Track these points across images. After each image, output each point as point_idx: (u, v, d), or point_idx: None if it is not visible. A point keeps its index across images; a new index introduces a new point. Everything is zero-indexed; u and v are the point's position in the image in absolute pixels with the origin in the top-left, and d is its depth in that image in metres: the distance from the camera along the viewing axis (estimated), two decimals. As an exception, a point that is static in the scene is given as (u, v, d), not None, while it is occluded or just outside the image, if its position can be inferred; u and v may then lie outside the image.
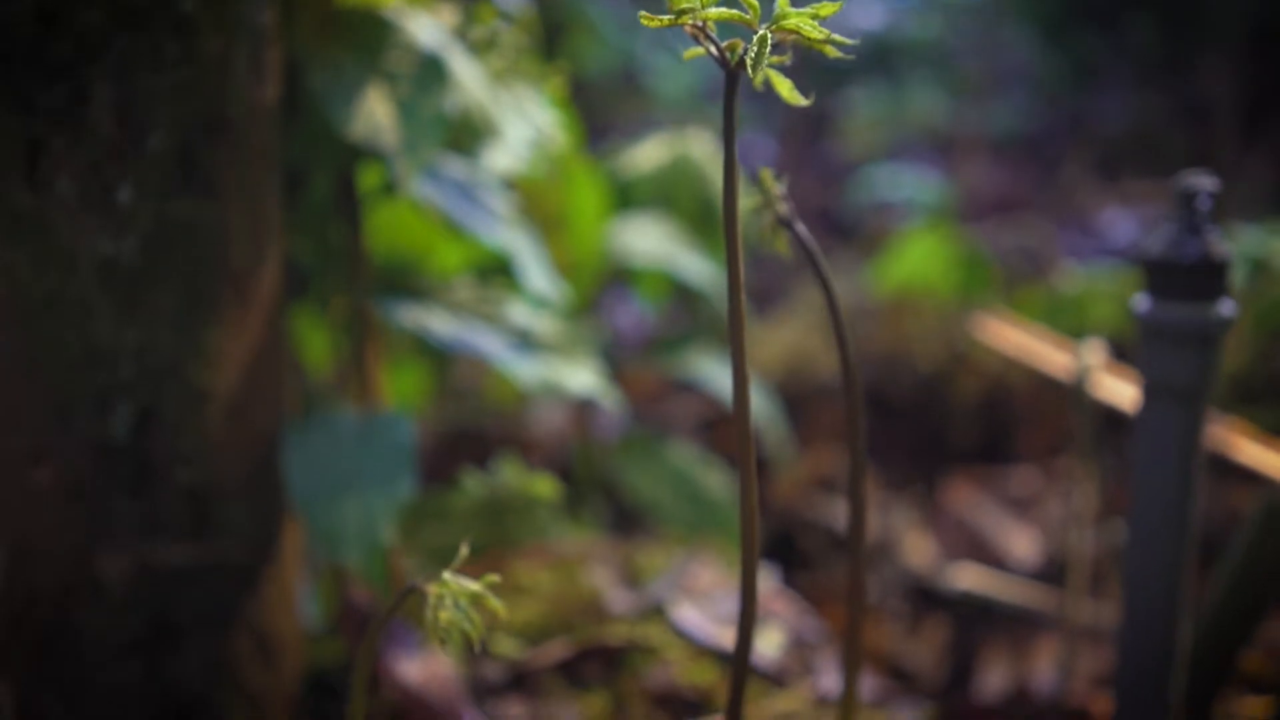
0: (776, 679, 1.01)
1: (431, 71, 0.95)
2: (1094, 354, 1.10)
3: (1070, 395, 1.12)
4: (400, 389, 1.31)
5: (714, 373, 1.41)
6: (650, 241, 1.39)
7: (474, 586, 0.60)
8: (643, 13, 0.54)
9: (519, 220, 1.07)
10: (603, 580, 1.13)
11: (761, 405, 1.45)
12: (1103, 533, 1.42)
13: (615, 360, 1.45)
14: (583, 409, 1.49)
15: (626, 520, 1.51)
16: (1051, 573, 1.47)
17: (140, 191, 0.85)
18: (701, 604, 1.09)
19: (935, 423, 1.82)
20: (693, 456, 1.37)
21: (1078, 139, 3.42)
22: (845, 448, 1.75)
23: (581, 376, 1.06)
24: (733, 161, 0.60)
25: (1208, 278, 0.81)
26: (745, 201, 0.66)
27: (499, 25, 1.03)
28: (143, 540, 0.90)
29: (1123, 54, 3.69)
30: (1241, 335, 1.60)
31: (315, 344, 1.20)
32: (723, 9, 0.55)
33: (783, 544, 1.55)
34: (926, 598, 1.46)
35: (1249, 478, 1.39)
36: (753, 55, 0.53)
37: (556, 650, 1.02)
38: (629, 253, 1.38)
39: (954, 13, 4.11)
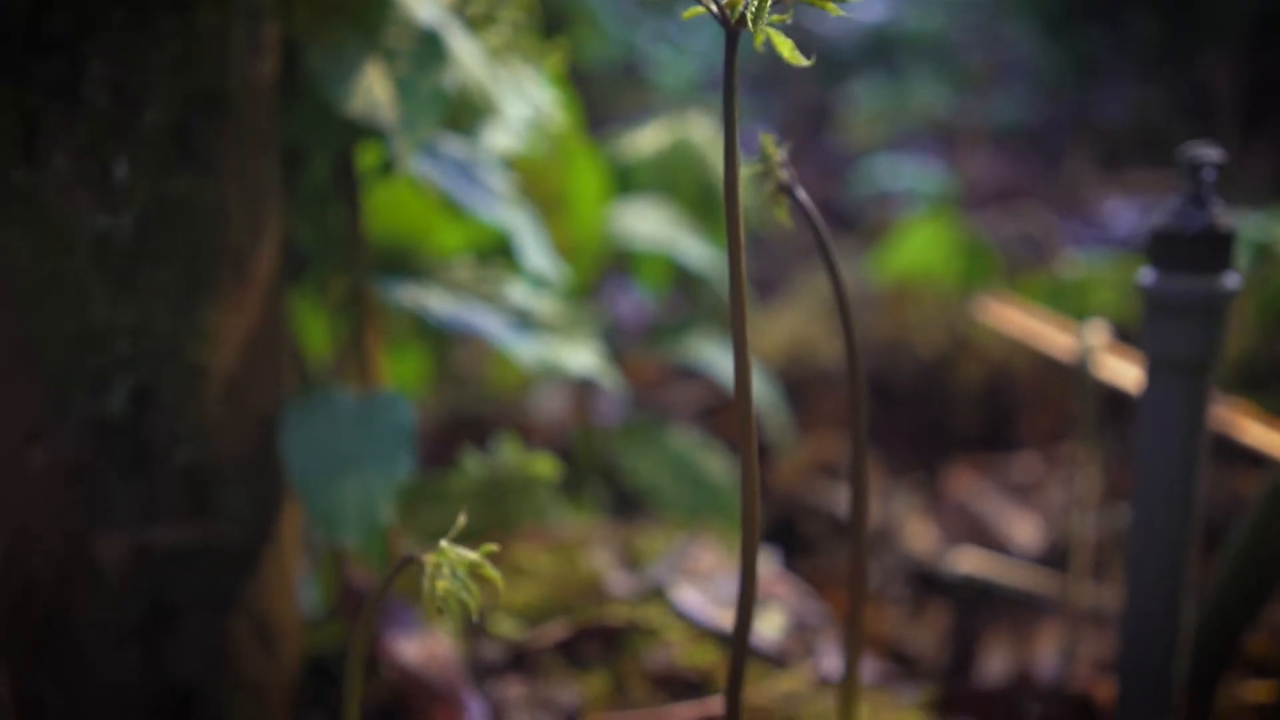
0: (777, 660, 1.01)
1: (430, 48, 0.94)
2: (1097, 334, 1.09)
3: (1073, 376, 1.11)
4: (400, 374, 1.31)
5: (715, 357, 1.41)
6: (650, 225, 1.39)
7: (472, 556, 0.59)
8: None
9: (518, 199, 1.06)
10: (602, 563, 1.12)
11: (763, 391, 1.45)
12: (1105, 517, 1.41)
13: (616, 347, 1.44)
14: (583, 395, 1.49)
15: (626, 505, 1.50)
16: (1054, 559, 1.47)
17: (137, 168, 0.85)
18: (702, 586, 1.08)
19: (937, 409, 1.82)
20: (693, 441, 1.36)
21: (1079, 132, 3.42)
22: (846, 433, 1.75)
23: (581, 357, 1.06)
24: (733, 125, 0.59)
25: (1212, 249, 0.80)
26: (746, 169, 0.66)
27: (497, 1, 1.02)
28: (140, 523, 0.89)
29: (1124, 49, 3.69)
30: (1245, 320, 1.59)
31: (315, 330, 1.20)
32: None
33: (784, 529, 1.54)
34: (928, 583, 1.46)
35: (1253, 461, 1.38)
36: (753, 10, 0.52)
37: (556, 631, 1.02)
38: (629, 236, 1.37)
39: (955, 6, 4.10)
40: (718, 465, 1.35)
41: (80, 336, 0.86)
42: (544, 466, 1.12)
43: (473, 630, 1.03)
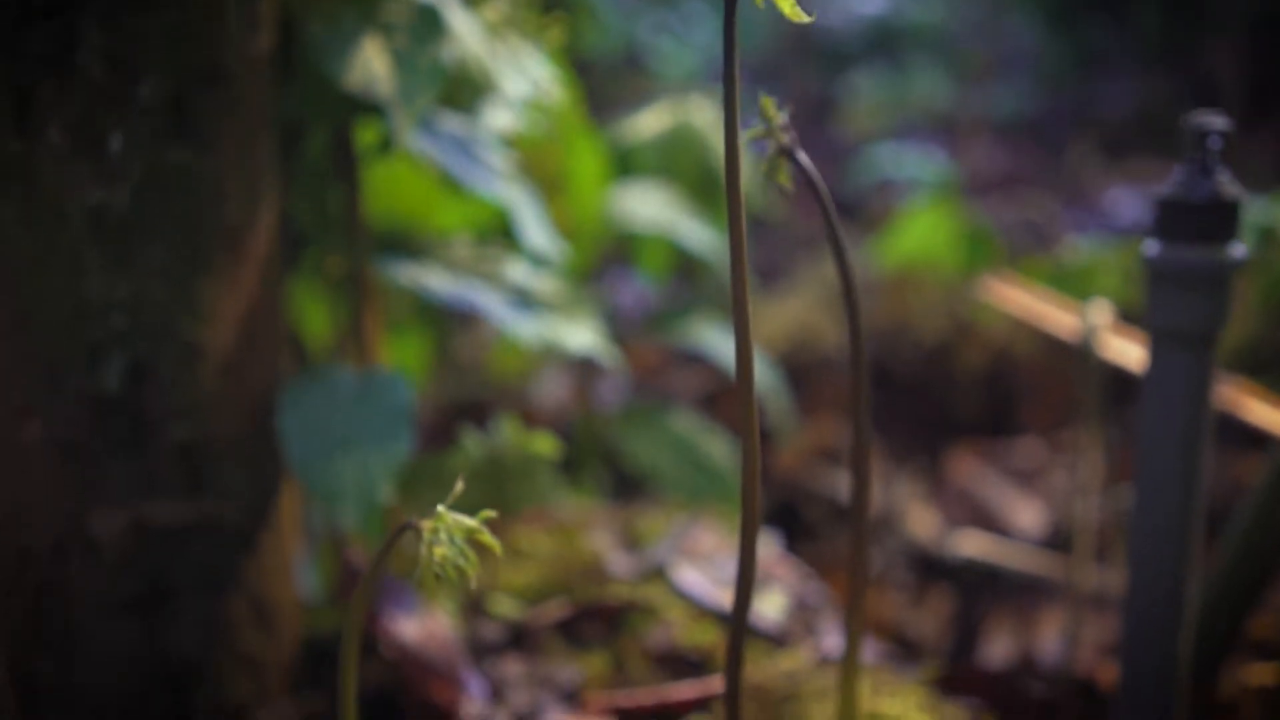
0: (778, 640, 1.00)
1: (428, 22, 0.93)
2: (1100, 314, 1.09)
3: (1076, 357, 1.10)
4: (400, 361, 1.30)
5: (716, 342, 1.40)
6: (651, 208, 1.38)
7: (470, 522, 0.59)
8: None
9: (518, 177, 1.06)
10: (603, 544, 1.11)
11: (764, 376, 1.44)
12: (1108, 500, 1.41)
13: (617, 334, 1.43)
14: (584, 380, 1.48)
15: (627, 490, 1.50)
16: (1056, 544, 1.46)
17: (132, 140, 0.84)
18: (703, 567, 1.07)
19: (939, 396, 1.81)
20: (694, 424, 1.36)
21: (1082, 121, 3.41)
22: (847, 420, 1.74)
23: (581, 335, 1.05)
24: (734, 91, 0.58)
25: (1219, 218, 0.79)
26: (747, 133, 0.65)
27: (496, -25, 1.01)
28: (136, 499, 0.88)
29: (1126, 40, 3.68)
30: (1248, 305, 1.58)
31: (314, 316, 1.19)
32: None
33: (785, 514, 1.54)
34: (930, 569, 1.45)
35: (1255, 444, 1.38)
36: (752, -36, 0.52)
37: (556, 610, 1.01)
38: (630, 218, 1.37)
39: (956, -2, 4.10)
40: (719, 448, 1.34)
41: (75, 311, 0.85)
42: (544, 444, 1.11)
43: (472, 610, 1.02)
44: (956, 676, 0.93)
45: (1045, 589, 1.37)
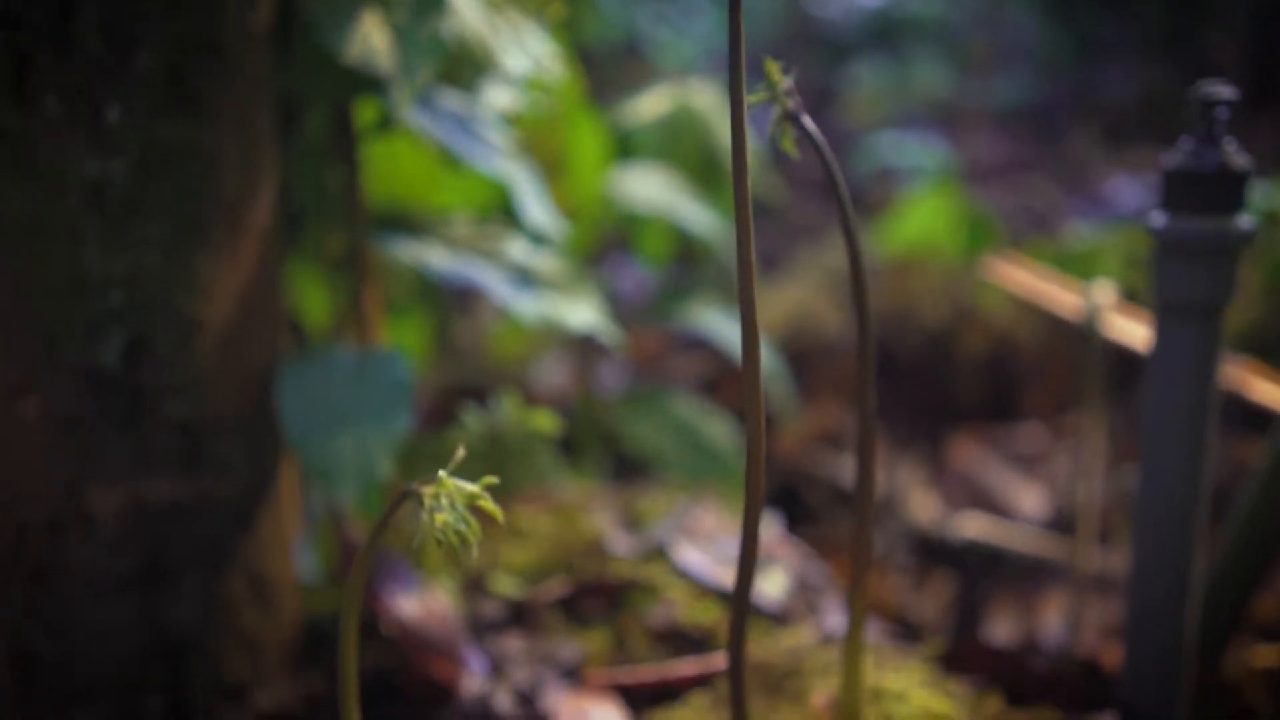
0: (780, 619, 0.99)
1: (428, -6, 0.93)
2: (1104, 294, 1.08)
3: (1079, 340, 1.10)
4: (399, 343, 1.29)
5: (718, 324, 1.39)
6: (652, 189, 1.37)
7: (471, 487, 0.58)
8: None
9: (518, 154, 1.05)
10: (604, 523, 1.11)
11: (767, 360, 1.43)
12: (1111, 482, 1.40)
13: (617, 320, 1.43)
14: (584, 364, 1.47)
15: (627, 473, 1.49)
16: (1059, 528, 1.46)
17: (129, 112, 0.83)
18: (704, 546, 1.07)
19: (941, 381, 1.80)
20: (695, 407, 1.35)
21: (1082, 110, 3.41)
22: (848, 404, 1.74)
23: (582, 312, 1.04)
24: (739, 72, 0.57)
25: (1226, 189, 0.78)
26: (751, 96, 0.64)
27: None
28: (134, 476, 0.88)
29: (1125, 29, 3.68)
30: (1253, 289, 1.58)
31: (313, 297, 1.18)
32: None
33: (787, 498, 1.53)
34: (932, 553, 1.45)
35: (1257, 428, 1.37)
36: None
37: (556, 588, 1.01)
38: (630, 200, 1.36)
39: (956, -11, 4.09)
40: (719, 430, 1.33)
41: (72, 285, 0.84)
42: (544, 421, 1.11)
43: (473, 588, 1.02)
44: (960, 652, 0.92)
45: (1047, 571, 1.36)
